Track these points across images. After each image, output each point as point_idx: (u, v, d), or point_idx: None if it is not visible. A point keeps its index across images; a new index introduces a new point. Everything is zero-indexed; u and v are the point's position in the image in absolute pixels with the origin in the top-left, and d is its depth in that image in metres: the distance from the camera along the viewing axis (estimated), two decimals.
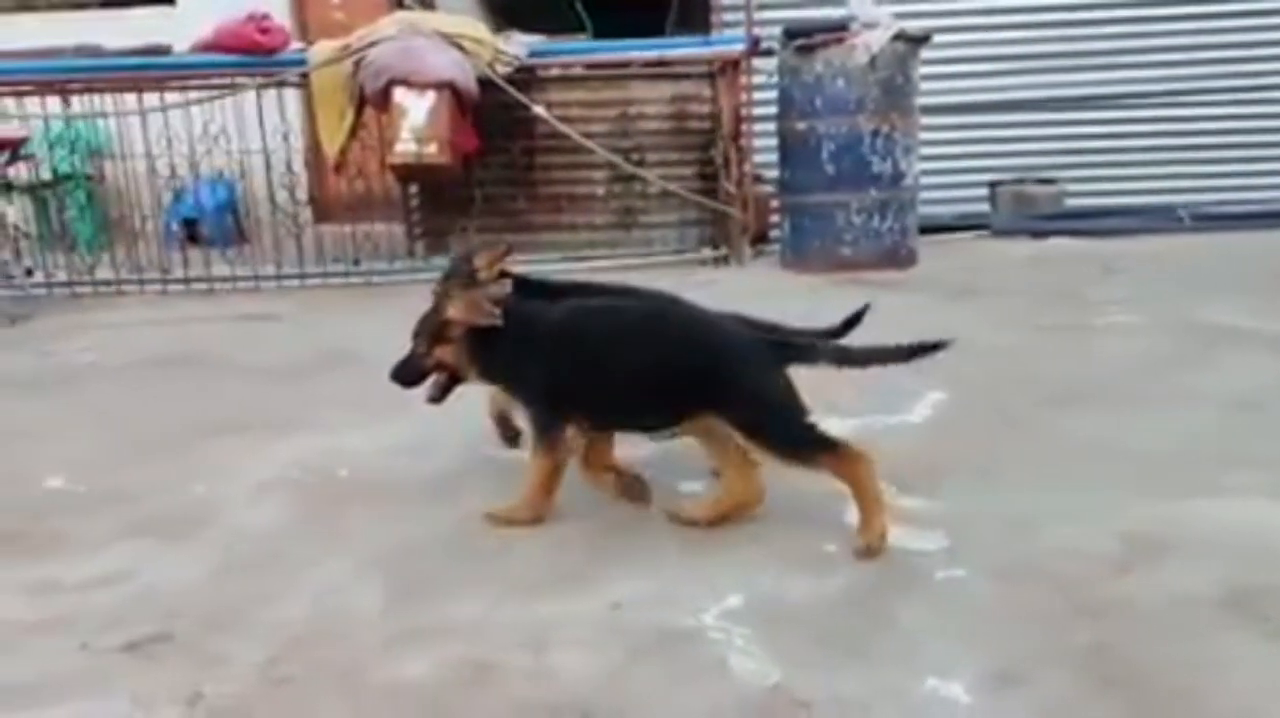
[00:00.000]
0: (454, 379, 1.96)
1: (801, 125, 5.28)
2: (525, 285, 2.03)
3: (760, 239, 6.26)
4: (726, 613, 1.52)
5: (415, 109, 4.65)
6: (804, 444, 1.77)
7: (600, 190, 6.66)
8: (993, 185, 7.19)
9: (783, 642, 1.43)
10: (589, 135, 6.35)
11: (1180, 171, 7.47)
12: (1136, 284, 4.65)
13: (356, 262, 5.79)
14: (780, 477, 2.03)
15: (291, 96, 6.41)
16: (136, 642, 1.50)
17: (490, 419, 2.32)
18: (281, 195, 5.84)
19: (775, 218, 6.36)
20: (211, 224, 8.39)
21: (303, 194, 8.35)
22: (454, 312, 1.89)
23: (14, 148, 4.54)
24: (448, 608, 1.58)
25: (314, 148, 8.80)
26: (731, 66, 5.55)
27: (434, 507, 2.02)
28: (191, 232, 8.49)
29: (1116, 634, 1.44)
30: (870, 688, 1.31)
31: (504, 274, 1.97)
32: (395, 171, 5.04)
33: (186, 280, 5.45)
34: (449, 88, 4.73)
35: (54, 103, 5.35)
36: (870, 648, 1.42)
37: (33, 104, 5.37)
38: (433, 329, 1.91)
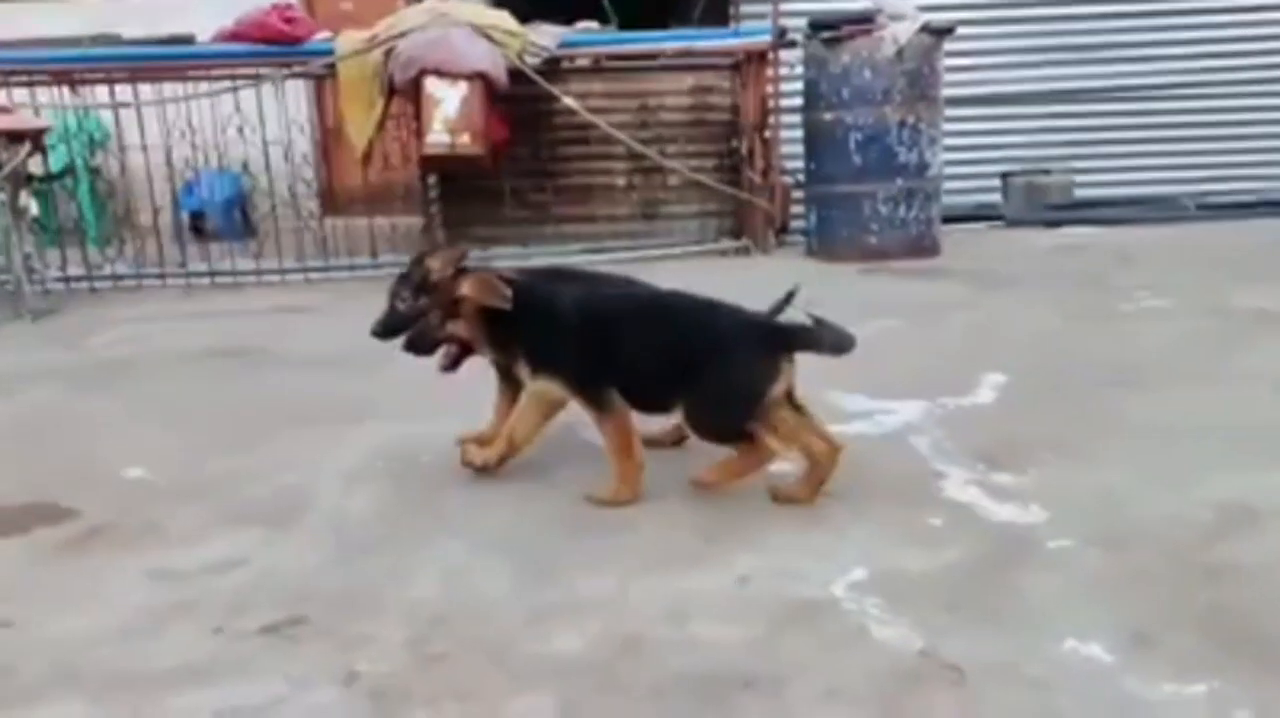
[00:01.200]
0: (465, 350, 2.10)
1: (828, 116, 5.32)
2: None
3: (781, 230, 6.29)
4: (854, 585, 1.55)
5: (448, 100, 4.64)
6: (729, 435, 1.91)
7: (621, 182, 6.69)
8: (1004, 176, 7.26)
9: (915, 611, 1.46)
10: (611, 127, 6.38)
11: (1185, 162, 7.57)
12: (1158, 271, 4.72)
13: (375, 254, 5.78)
14: (868, 459, 2.08)
15: (300, 88, 6.37)
16: (272, 625, 1.52)
17: None
18: (294, 189, 5.84)
19: (794, 209, 6.41)
20: (220, 218, 8.36)
21: (313, 188, 8.34)
22: (467, 289, 2.00)
23: (35, 138, 4.50)
24: (577, 586, 1.60)
25: (324, 141, 8.85)
26: (757, 58, 5.57)
27: (528, 488, 2.04)
28: (197, 225, 8.46)
29: (1232, 597, 1.49)
30: (1013, 651, 1.34)
31: (460, 273, 2.07)
32: (426, 163, 5.03)
33: (211, 274, 5.42)
34: (481, 78, 4.73)
35: (52, 94, 5.33)
36: (1002, 614, 1.45)
37: (44, 95, 5.35)
38: (445, 305, 2.03)
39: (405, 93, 4.81)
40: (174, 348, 3.87)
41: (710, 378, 1.86)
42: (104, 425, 2.75)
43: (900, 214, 5.33)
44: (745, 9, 6.77)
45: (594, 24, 6.23)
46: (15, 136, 4.36)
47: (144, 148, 5.29)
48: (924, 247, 5.41)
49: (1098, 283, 4.41)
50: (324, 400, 2.87)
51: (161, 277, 5.49)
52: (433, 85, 4.66)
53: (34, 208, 4.51)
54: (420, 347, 2.09)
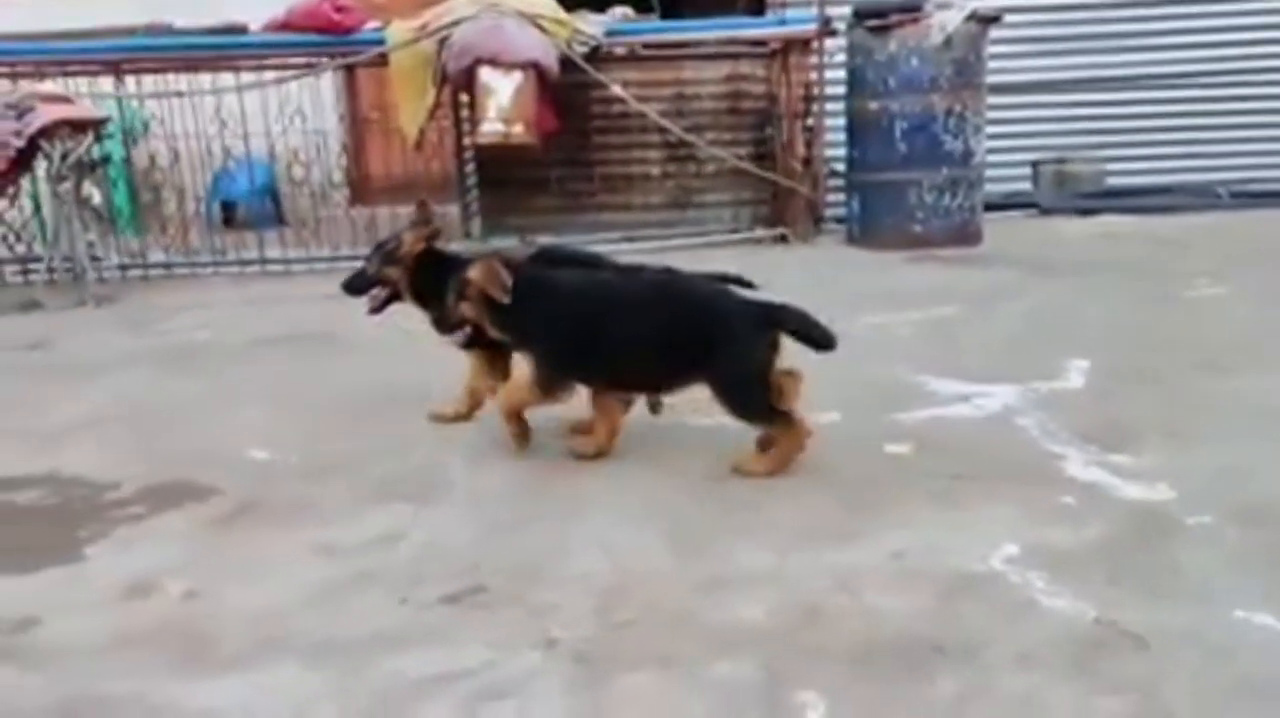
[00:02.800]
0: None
1: (874, 104, 5.35)
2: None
3: (816, 219, 6.33)
4: (1010, 559, 1.61)
5: (501, 89, 4.68)
6: (762, 413, 2.02)
7: (655, 170, 6.73)
8: (1034, 164, 7.30)
9: (1078, 583, 1.52)
10: (644, 115, 6.41)
11: (1215, 150, 7.60)
12: (1208, 258, 4.77)
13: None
14: (980, 441, 2.13)
15: (330, 78, 6.37)
16: (453, 595, 1.57)
17: None
18: (323, 177, 5.87)
19: (833, 197, 6.45)
20: (252, 206, 8.39)
21: (340, 176, 8.37)
22: (474, 274, 2.15)
23: (96, 128, 4.53)
24: (737, 558, 1.66)
25: (353, 130, 8.87)
26: (800, 45, 5.61)
27: (655, 466, 2.10)
28: (228, 214, 8.49)
29: None
30: (1187, 620, 1.40)
31: (429, 248, 2.42)
32: (479, 151, 5.08)
33: (262, 262, 5.46)
34: (534, 67, 4.76)
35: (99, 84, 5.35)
36: (1163, 586, 1.51)
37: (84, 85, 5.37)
38: (457, 288, 2.19)
39: (458, 82, 4.84)
40: (243, 333, 3.92)
41: (725, 361, 1.99)
42: (203, 408, 2.80)
43: (945, 202, 5.38)
44: None
45: (629, 10, 6.26)
46: (78, 126, 4.39)
47: (176, 138, 5.32)
48: (968, 234, 5.45)
49: (1153, 270, 4.46)
50: (407, 383, 2.90)
51: (214, 264, 5.54)
52: (487, 74, 4.69)
53: (96, 196, 4.54)
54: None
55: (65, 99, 4.46)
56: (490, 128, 4.72)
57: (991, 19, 5.28)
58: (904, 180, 5.36)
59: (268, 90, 5.18)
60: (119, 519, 1.96)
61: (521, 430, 2.21)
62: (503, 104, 4.67)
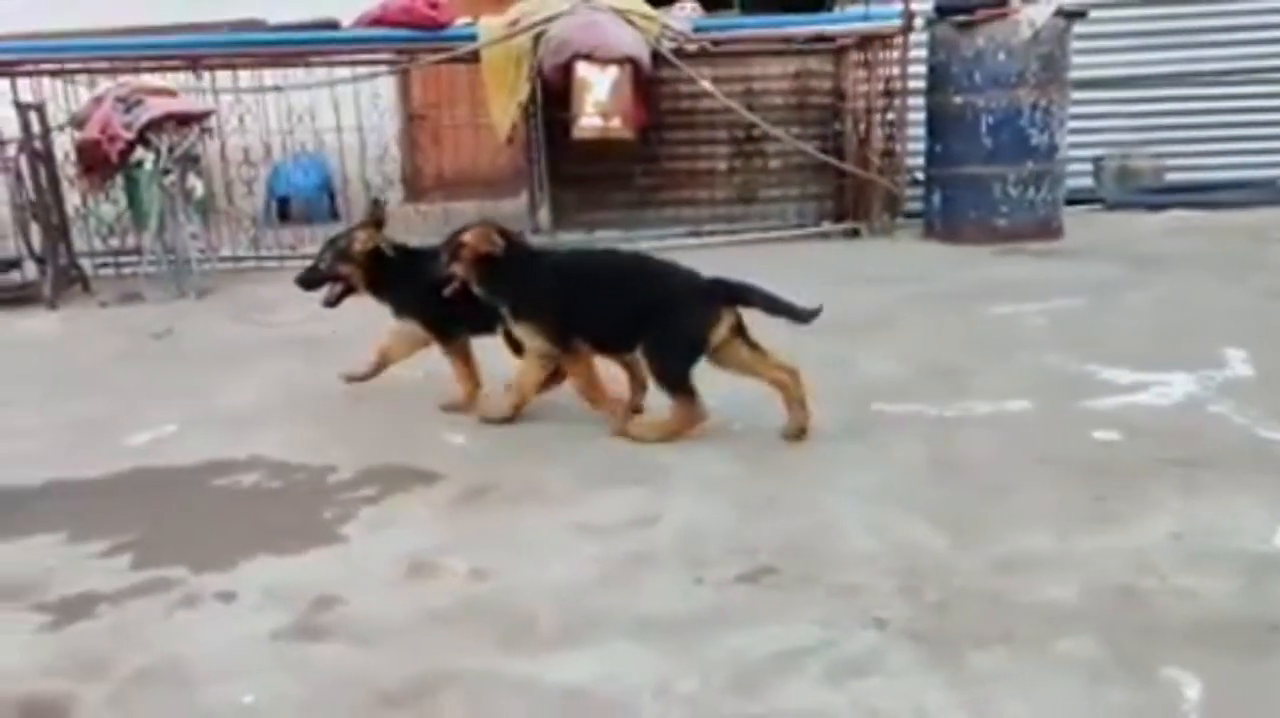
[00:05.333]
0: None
1: (958, 99, 5.35)
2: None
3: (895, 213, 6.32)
4: None
5: (599, 84, 4.69)
6: (670, 381, 2.21)
7: (722, 166, 6.73)
8: (1096, 160, 7.31)
9: None
10: (711, 111, 6.41)
11: (1274, 146, 7.61)
12: None
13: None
14: (1185, 428, 2.13)
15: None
16: (747, 575, 1.58)
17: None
18: (379, 173, 5.87)
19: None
20: (308, 202, 8.41)
21: (396, 171, 8.36)
22: (468, 237, 2.34)
23: (200, 121, 4.54)
24: (1016, 540, 1.66)
25: (406, 126, 8.88)
26: (881, 41, 5.61)
27: (875, 451, 2.10)
28: (283, 210, 8.50)
29: None
30: None
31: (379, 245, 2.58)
32: (551, 145, 5.09)
33: None
34: (630, 63, 4.76)
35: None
36: None
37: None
38: (450, 249, 2.37)
39: (553, 77, 4.84)
40: (353, 324, 3.91)
41: (661, 324, 2.19)
42: (361, 396, 2.78)
43: (1029, 196, 5.38)
44: None
45: (696, 5, 6.26)
46: (184, 120, 4.40)
47: (248, 132, 5.32)
48: (1050, 229, 5.46)
49: (1256, 263, 4.45)
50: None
51: (280, 259, 5.54)
52: (584, 69, 4.70)
53: (200, 189, 4.55)
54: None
55: (170, 93, 4.47)
56: (588, 122, 4.73)
57: (1077, 14, 5.29)
58: (988, 174, 5.36)
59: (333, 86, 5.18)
60: (354, 501, 1.97)
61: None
62: (600, 99, 4.68)
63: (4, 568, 1.72)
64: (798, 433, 2.19)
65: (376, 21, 5.09)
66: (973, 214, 5.45)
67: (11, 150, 4.45)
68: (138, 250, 5.00)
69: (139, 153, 4.38)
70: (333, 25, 5.11)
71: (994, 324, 3.41)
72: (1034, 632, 1.38)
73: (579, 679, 1.31)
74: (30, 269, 4.85)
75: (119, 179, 4.80)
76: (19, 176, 4.41)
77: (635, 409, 2.40)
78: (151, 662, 1.38)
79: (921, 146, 5.86)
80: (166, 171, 4.40)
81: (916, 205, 6.18)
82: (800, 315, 2.17)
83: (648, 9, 5.17)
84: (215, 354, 3.49)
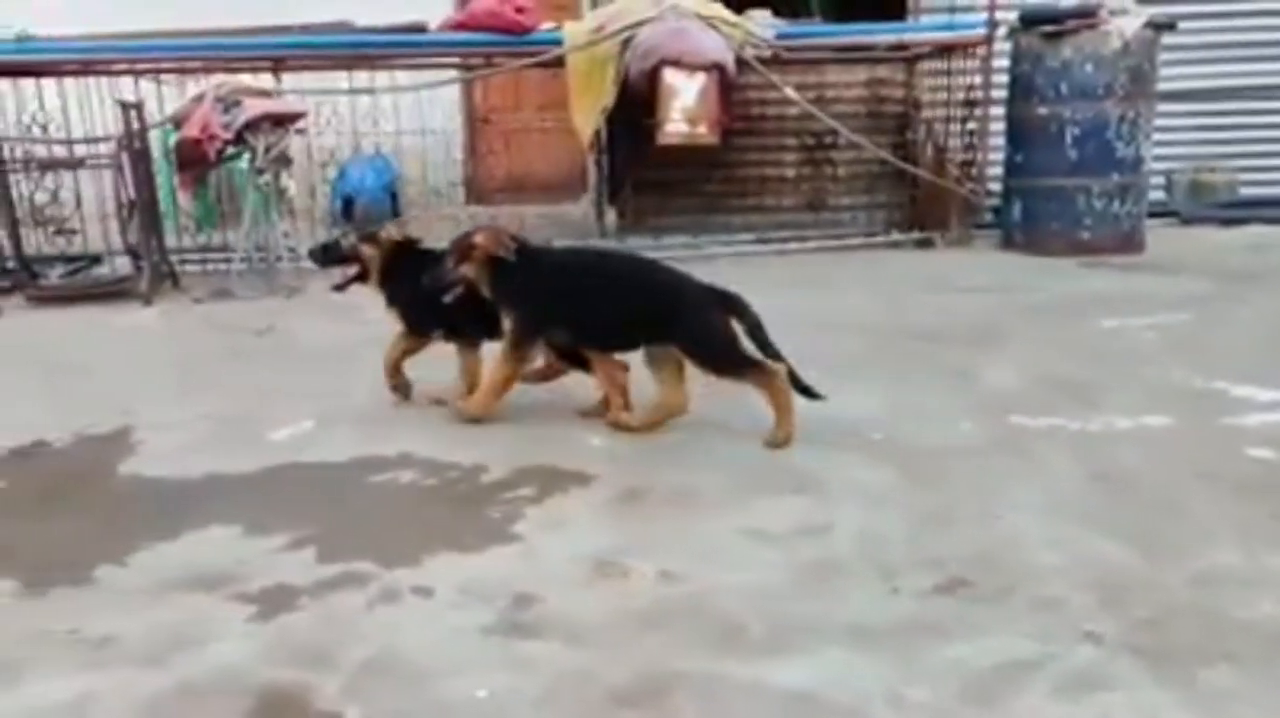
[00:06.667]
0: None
1: (1042, 110, 5.31)
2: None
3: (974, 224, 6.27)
4: None
5: (686, 90, 4.70)
6: (734, 364, 2.28)
7: (790, 173, 6.72)
8: (1168, 174, 7.20)
9: None
10: (781, 118, 6.43)
11: None
12: None
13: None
14: None
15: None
16: (943, 586, 1.57)
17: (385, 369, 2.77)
18: (442, 176, 5.92)
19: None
20: (372, 203, 8.53)
21: (458, 176, 8.45)
22: (480, 239, 2.41)
23: (295, 122, 4.62)
24: (1210, 555, 1.65)
25: (469, 130, 8.97)
26: (962, 50, 5.58)
27: (1028, 463, 2.09)
28: (348, 210, 8.63)
29: None
30: None
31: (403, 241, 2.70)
32: (655, 152, 5.11)
33: None
34: (717, 69, 4.78)
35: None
36: None
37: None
38: (460, 250, 2.42)
39: (639, 83, 4.87)
40: None
41: (691, 320, 2.28)
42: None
43: (1113, 209, 5.32)
44: (924, 2, 6.77)
45: (768, 12, 6.26)
46: (279, 120, 4.48)
47: (321, 132, 5.39)
48: (1134, 242, 5.39)
49: None
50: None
51: None
52: (671, 75, 4.72)
53: (292, 188, 4.63)
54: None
55: (266, 94, 4.56)
56: (675, 128, 4.75)
57: (1167, 25, 5.23)
58: (1073, 186, 5.31)
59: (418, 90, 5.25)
60: (516, 501, 1.99)
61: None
62: (688, 105, 4.70)
63: (196, 559, 1.76)
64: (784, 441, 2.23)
65: (460, 25, 5.15)
66: (1055, 226, 5.40)
67: (112, 147, 4.57)
68: (224, 247, 5.10)
69: (230, 150, 4.48)
70: (420, 29, 5.17)
71: (1105, 337, 3.37)
72: (1258, 650, 1.36)
73: (805, 684, 1.31)
74: (118, 264, 4.98)
75: (211, 177, 4.89)
76: (120, 171, 4.51)
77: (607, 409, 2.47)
78: (374, 654, 1.41)
79: (999, 156, 5.83)
80: (261, 171, 4.48)
81: (986, 217, 6.14)
82: (771, 352, 2.25)
83: (731, 15, 5.18)
84: (322, 352, 3.55)
